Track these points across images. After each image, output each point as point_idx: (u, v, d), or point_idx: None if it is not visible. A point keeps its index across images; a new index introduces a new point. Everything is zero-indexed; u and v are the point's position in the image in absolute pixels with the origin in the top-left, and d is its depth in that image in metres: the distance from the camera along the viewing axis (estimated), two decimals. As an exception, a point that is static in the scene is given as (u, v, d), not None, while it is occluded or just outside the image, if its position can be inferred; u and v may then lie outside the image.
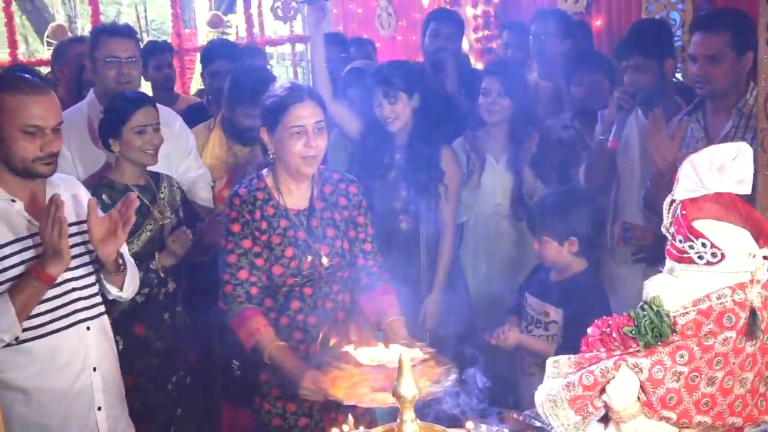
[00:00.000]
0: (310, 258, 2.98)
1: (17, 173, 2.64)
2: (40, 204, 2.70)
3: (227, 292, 2.95)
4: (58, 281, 2.64)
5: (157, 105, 3.60)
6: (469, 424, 1.98)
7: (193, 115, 4.49)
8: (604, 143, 3.79)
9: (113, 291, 2.86)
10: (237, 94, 4.06)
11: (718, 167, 1.73)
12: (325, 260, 3.01)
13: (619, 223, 3.88)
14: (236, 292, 2.94)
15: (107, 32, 3.95)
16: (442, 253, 3.95)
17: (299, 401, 2.98)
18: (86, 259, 2.80)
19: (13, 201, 2.66)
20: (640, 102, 3.78)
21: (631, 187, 3.88)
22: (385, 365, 2.60)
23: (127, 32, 3.99)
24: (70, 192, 2.83)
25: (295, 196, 3.05)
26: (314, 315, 3.04)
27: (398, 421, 1.71)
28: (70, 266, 2.67)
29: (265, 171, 3.07)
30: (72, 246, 2.67)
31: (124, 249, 2.91)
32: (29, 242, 2.65)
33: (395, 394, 1.68)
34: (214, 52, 5.02)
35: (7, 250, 2.60)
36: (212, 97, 4.93)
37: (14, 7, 8.91)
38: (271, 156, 3.02)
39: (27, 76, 2.70)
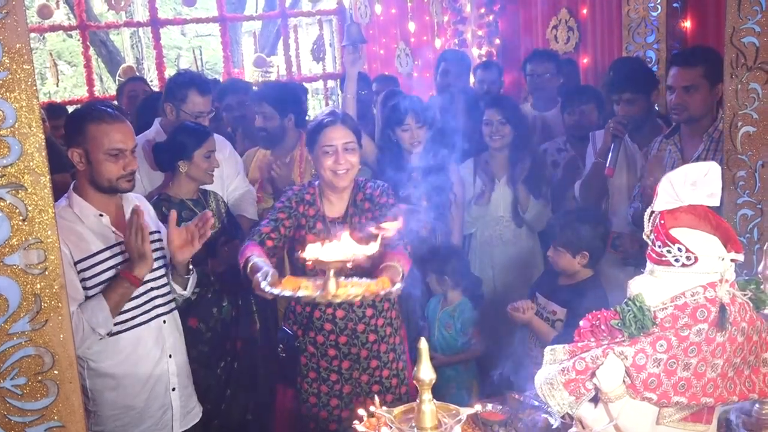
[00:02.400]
0: None
1: (103, 191, 2.68)
2: (121, 218, 2.75)
3: (249, 234, 2.98)
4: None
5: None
6: (478, 407, 1.97)
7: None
8: (600, 166, 3.77)
9: (178, 290, 2.89)
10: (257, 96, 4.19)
11: (691, 183, 1.72)
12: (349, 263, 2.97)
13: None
14: (253, 236, 2.94)
15: (198, 91, 3.82)
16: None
17: (331, 384, 2.99)
18: (161, 262, 2.83)
19: (101, 215, 2.70)
20: (630, 129, 3.78)
21: (619, 202, 3.87)
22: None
23: (209, 90, 3.93)
24: (143, 207, 2.84)
25: (335, 206, 3.06)
26: (342, 308, 3.02)
27: (417, 401, 1.70)
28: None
29: (316, 182, 3.10)
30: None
31: None
32: (116, 250, 2.69)
33: (415, 378, 1.67)
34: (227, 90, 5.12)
35: (99, 258, 2.64)
36: (231, 127, 5.05)
37: (91, 51, 9.04)
38: (314, 171, 3.05)
39: (107, 108, 2.72)
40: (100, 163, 2.61)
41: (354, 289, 2.36)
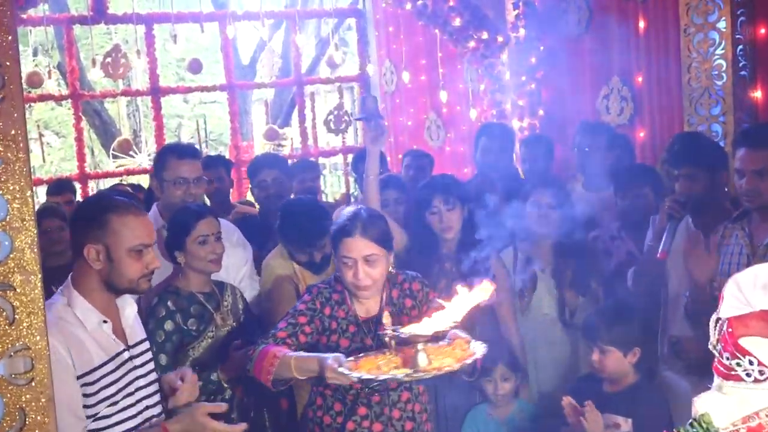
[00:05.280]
0: None
1: (116, 291, 2.67)
2: (118, 322, 2.74)
3: (259, 341, 3.00)
4: (131, 391, 2.69)
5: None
6: None
7: (245, 227, 4.53)
8: (654, 249, 3.77)
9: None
10: (287, 234, 4.11)
11: (762, 285, 1.73)
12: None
13: (667, 336, 3.82)
14: (267, 339, 2.98)
15: (176, 154, 3.99)
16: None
17: None
18: (154, 376, 2.84)
19: (105, 322, 2.66)
20: (691, 211, 3.78)
21: (678, 294, 3.81)
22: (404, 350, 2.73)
23: (193, 153, 4.09)
24: (133, 309, 2.84)
25: (366, 305, 3.12)
26: (380, 422, 3.06)
27: None
28: (142, 384, 2.74)
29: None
30: (145, 363, 2.77)
31: None
32: (117, 362, 2.66)
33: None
34: (260, 164, 5.24)
35: (101, 372, 2.60)
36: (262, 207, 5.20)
37: (83, 122, 9.31)
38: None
39: (124, 198, 2.76)
40: (122, 261, 2.59)
41: (448, 359, 2.62)
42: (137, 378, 2.72)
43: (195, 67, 9.17)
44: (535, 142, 5.49)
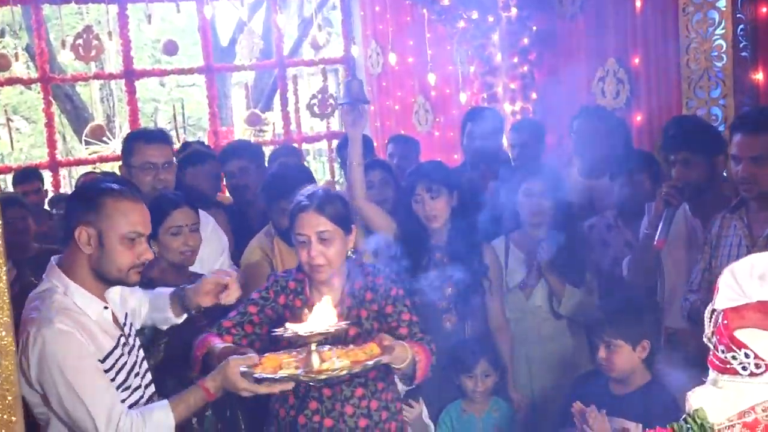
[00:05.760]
0: None
1: (106, 281, 2.67)
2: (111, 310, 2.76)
3: (206, 330, 3.03)
4: (137, 371, 2.75)
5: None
6: None
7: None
8: (650, 238, 3.78)
9: (172, 318, 3.05)
10: (269, 187, 4.10)
11: (759, 275, 1.74)
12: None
13: (663, 327, 3.83)
14: (213, 328, 3.02)
15: (143, 138, 4.00)
16: (503, 353, 3.97)
17: None
18: (141, 353, 2.87)
19: (106, 308, 2.69)
20: (688, 197, 3.79)
21: (676, 284, 3.86)
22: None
23: (161, 137, 4.08)
24: (116, 290, 2.83)
25: (325, 294, 3.04)
26: (330, 418, 3.04)
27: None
28: (138, 361, 2.79)
29: None
30: (134, 340, 2.81)
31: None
32: (120, 346, 2.70)
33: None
34: (227, 154, 5.21)
35: (112, 358, 2.63)
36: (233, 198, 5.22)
37: (54, 107, 9.27)
38: None
39: (117, 185, 2.75)
40: (113, 249, 2.60)
41: (340, 361, 2.57)
42: (137, 357, 2.78)
43: (171, 48, 9.16)
44: (525, 127, 5.49)
